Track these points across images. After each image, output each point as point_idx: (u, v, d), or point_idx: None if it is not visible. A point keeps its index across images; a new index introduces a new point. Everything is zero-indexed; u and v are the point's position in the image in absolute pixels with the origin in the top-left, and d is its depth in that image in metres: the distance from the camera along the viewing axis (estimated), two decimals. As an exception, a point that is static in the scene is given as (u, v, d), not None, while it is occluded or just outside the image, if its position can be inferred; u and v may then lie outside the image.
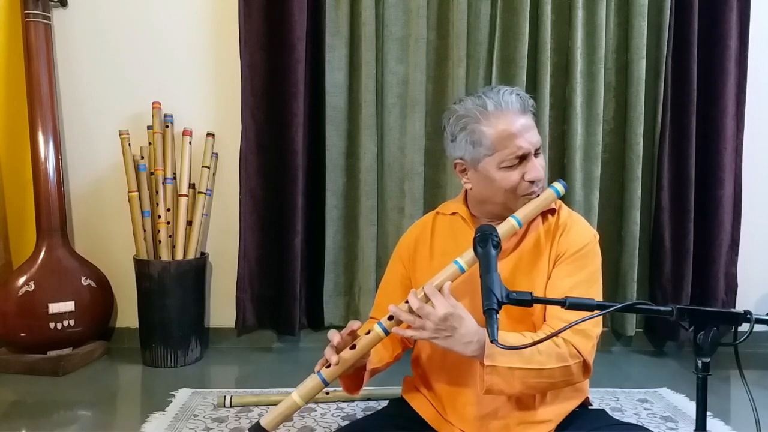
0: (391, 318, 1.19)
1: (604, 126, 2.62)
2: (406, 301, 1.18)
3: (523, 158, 1.26)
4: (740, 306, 2.62)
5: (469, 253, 1.19)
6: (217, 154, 2.63)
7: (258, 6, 2.50)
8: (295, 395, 1.21)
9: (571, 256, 1.28)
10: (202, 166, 2.55)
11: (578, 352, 1.19)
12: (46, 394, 2.14)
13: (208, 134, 2.57)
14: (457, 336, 1.14)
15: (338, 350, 1.22)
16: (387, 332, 1.20)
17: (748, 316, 0.92)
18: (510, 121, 1.25)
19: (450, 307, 1.14)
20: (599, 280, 1.31)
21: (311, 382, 1.21)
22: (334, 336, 1.22)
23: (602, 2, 2.53)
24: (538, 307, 1.27)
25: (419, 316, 1.15)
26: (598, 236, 1.35)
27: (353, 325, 1.24)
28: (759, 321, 0.92)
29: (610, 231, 2.65)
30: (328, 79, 2.55)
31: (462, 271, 1.20)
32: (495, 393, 1.17)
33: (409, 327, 1.18)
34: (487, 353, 1.13)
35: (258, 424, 1.22)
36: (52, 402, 2.07)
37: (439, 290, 1.17)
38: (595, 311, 0.96)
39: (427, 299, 1.16)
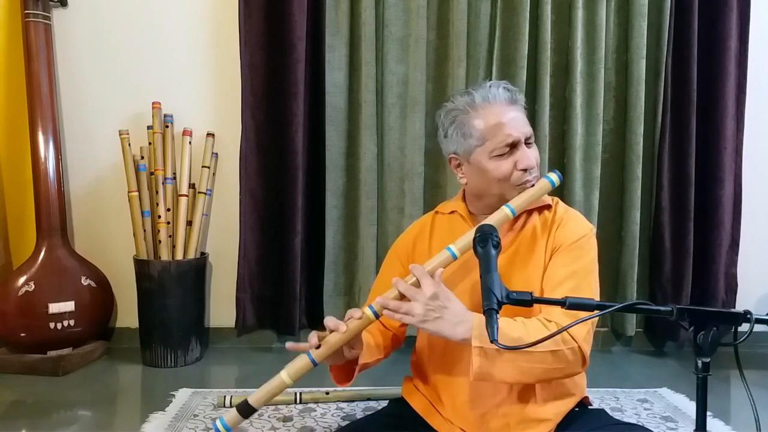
0: None
1: (604, 126, 2.62)
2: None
3: (513, 147, 1.27)
4: (740, 306, 2.62)
5: (462, 240, 1.20)
6: (217, 154, 2.63)
7: (258, 6, 2.50)
8: (284, 374, 1.22)
9: (567, 247, 1.28)
10: (202, 166, 2.55)
11: (572, 337, 1.17)
12: (46, 394, 2.14)
13: (208, 134, 2.57)
14: (447, 316, 1.13)
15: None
16: (377, 316, 1.19)
17: (748, 316, 0.92)
18: (498, 111, 1.27)
19: (438, 287, 1.14)
20: (594, 272, 1.31)
21: (300, 361, 1.21)
22: (329, 322, 1.21)
23: (602, 2, 2.53)
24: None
25: (407, 302, 1.15)
26: (594, 229, 1.36)
27: (355, 313, 1.22)
28: (759, 321, 0.92)
29: (610, 231, 2.65)
30: (328, 79, 2.55)
31: (454, 257, 1.20)
32: (485, 378, 1.15)
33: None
34: (475, 334, 1.12)
35: (246, 401, 1.22)
36: (52, 402, 2.07)
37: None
38: (595, 311, 0.96)
39: (417, 284, 1.16)
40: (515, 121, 1.27)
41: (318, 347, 1.19)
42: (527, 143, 1.29)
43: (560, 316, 1.18)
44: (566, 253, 1.28)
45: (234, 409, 1.23)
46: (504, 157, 1.27)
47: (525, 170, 1.27)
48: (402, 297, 1.17)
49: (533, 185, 1.29)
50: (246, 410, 1.21)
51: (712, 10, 2.57)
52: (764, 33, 2.69)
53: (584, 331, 1.20)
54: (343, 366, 1.30)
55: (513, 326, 1.16)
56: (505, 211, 1.25)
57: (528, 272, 1.29)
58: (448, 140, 1.34)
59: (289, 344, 1.24)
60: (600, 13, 2.53)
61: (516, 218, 1.30)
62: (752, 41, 2.62)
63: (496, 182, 1.29)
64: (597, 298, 1.25)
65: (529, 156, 1.28)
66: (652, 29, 2.58)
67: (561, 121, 2.61)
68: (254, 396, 1.22)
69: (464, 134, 1.29)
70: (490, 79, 2.53)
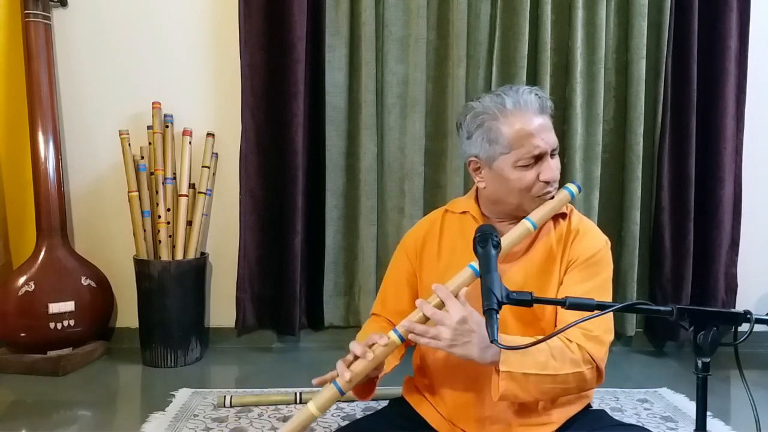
0: None
1: (604, 126, 2.62)
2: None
3: (538, 158, 1.25)
4: (740, 306, 2.62)
5: None
6: (217, 154, 2.63)
7: (258, 6, 2.50)
8: (312, 406, 1.20)
9: (583, 262, 1.27)
10: (202, 166, 2.55)
11: (591, 358, 1.19)
12: (46, 394, 2.14)
13: (208, 134, 2.57)
14: (476, 341, 1.11)
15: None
16: (403, 339, 1.17)
17: (748, 316, 0.92)
18: (528, 120, 1.24)
19: (465, 310, 1.12)
20: (610, 288, 1.31)
21: (327, 392, 1.19)
22: (356, 348, 1.19)
23: (602, 2, 2.53)
24: (548, 311, 1.26)
25: (433, 324, 1.13)
26: (609, 243, 1.34)
27: (379, 339, 1.18)
28: (759, 321, 0.92)
29: (610, 231, 2.63)
30: (328, 79, 2.55)
31: (477, 275, 1.17)
32: (510, 399, 1.15)
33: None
34: (503, 359, 1.11)
35: None
36: (52, 402, 2.07)
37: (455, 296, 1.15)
38: (595, 311, 0.96)
39: (442, 305, 1.14)
40: (543, 132, 1.25)
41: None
42: (552, 154, 1.27)
43: (580, 336, 1.18)
44: (582, 269, 1.27)
45: None
46: (528, 167, 1.24)
47: (547, 182, 1.25)
48: (427, 319, 1.15)
49: (552, 196, 1.27)
50: None
51: (712, 10, 2.57)
52: (764, 33, 2.69)
53: (602, 351, 1.21)
54: (364, 383, 1.29)
55: (540, 349, 1.15)
56: (526, 224, 1.23)
57: (542, 284, 1.28)
58: (470, 143, 1.30)
59: (315, 380, 1.22)
60: (600, 13, 2.53)
61: None
62: (752, 41, 2.62)
63: (516, 192, 1.26)
64: (611, 316, 1.24)
65: (553, 168, 1.26)
66: (652, 29, 2.58)
67: (561, 121, 2.61)
68: (284, 430, 1.20)
69: (490, 140, 1.25)
70: (491, 80, 2.54)
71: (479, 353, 1.11)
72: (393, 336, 1.17)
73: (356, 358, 1.18)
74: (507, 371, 1.12)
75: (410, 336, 1.16)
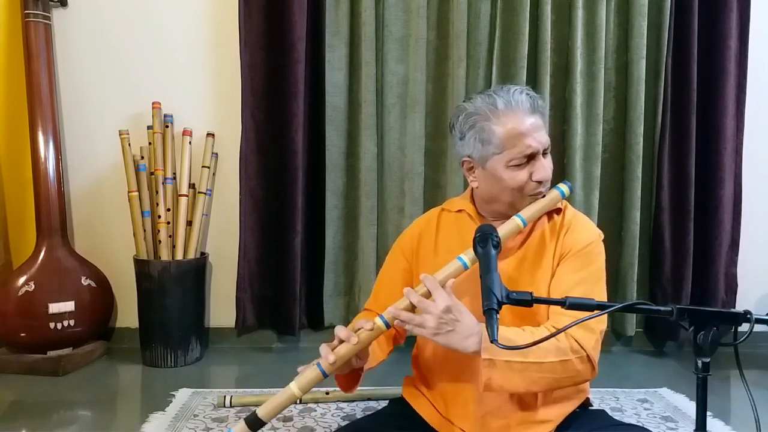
0: None
1: (604, 126, 2.62)
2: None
3: (531, 158, 1.26)
4: (740, 306, 2.62)
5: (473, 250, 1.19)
6: (217, 154, 2.63)
7: (258, 6, 2.50)
8: (294, 386, 1.21)
9: (575, 253, 1.28)
10: (202, 166, 2.55)
11: (581, 346, 1.18)
12: (46, 394, 2.14)
13: (208, 134, 2.57)
14: (459, 329, 1.13)
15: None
16: (389, 326, 1.19)
17: (748, 316, 0.92)
18: (520, 120, 1.25)
19: (450, 300, 1.14)
20: (603, 278, 1.31)
21: (311, 373, 1.20)
22: (340, 332, 1.20)
23: (602, 2, 2.53)
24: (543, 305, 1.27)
25: (419, 312, 1.15)
26: (602, 236, 1.35)
27: (365, 324, 1.20)
28: (759, 321, 0.92)
29: (610, 231, 2.65)
30: (328, 79, 2.55)
31: (465, 267, 1.20)
32: (495, 389, 1.15)
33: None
34: (484, 347, 1.12)
35: (255, 414, 1.21)
36: (52, 402, 2.07)
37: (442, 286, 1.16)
38: (596, 311, 0.96)
39: (428, 294, 1.16)
40: (535, 132, 1.25)
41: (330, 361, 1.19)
42: (544, 153, 1.28)
43: (568, 323, 1.18)
44: (575, 259, 1.28)
45: (242, 422, 1.21)
46: (521, 167, 1.25)
47: (540, 182, 1.27)
48: (414, 307, 1.17)
49: (544, 196, 1.29)
50: (255, 423, 1.20)
51: (712, 10, 2.57)
52: (764, 33, 2.69)
53: (593, 339, 1.20)
54: (349, 374, 1.30)
55: (522, 336, 1.16)
56: (516, 221, 1.24)
57: (536, 277, 1.29)
58: (463, 143, 1.31)
59: (300, 369, 1.23)
60: (600, 13, 2.53)
61: None
62: (752, 41, 2.62)
63: (509, 191, 1.27)
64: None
65: (546, 168, 1.27)
66: (652, 29, 2.58)
67: (561, 121, 2.61)
68: (263, 409, 1.21)
69: (482, 140, 1.27)
70: (491, 80, 2.54)
71: (461, 342, 1.14)
72: (379, 322, 1.19)
73: (341, 342, 1.19)
74: (488, 359, 1.12)
75: (396, 322, 1.17)
